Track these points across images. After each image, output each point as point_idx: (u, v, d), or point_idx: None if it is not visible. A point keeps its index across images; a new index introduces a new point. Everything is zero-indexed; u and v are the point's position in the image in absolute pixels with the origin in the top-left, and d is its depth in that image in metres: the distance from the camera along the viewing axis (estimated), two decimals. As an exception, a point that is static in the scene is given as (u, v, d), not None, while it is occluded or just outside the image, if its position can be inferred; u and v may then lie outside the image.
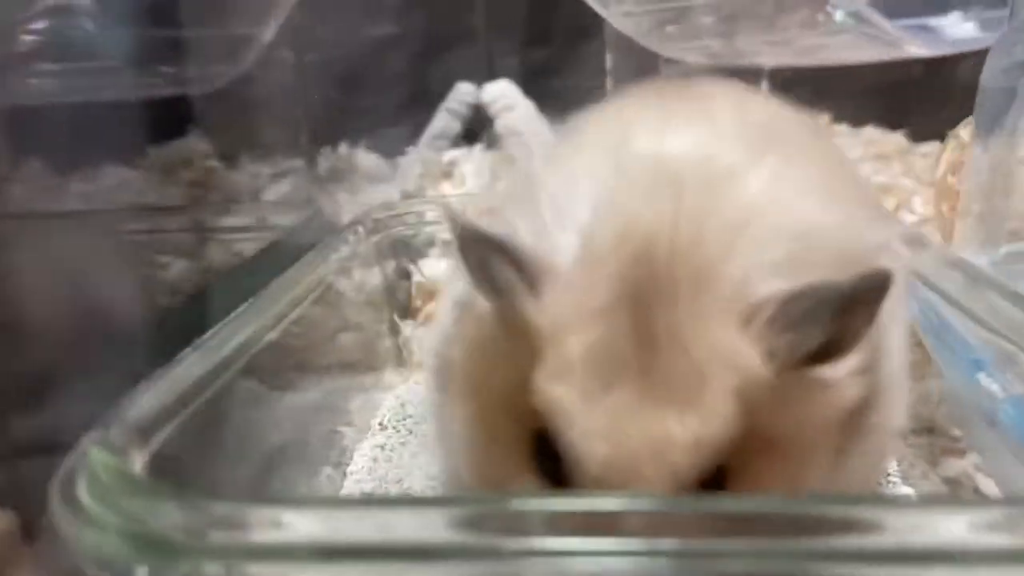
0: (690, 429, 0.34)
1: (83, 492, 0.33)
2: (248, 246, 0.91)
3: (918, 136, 1.17)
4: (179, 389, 0.42)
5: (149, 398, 0.40)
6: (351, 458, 0.65)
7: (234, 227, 0.97)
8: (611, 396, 0.34)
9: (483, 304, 0.38)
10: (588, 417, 0.34)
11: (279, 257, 0.73)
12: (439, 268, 0.82)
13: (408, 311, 0.81)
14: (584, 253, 0.37)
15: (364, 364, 0.73)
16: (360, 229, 0.74)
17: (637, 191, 0.37)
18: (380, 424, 0.69)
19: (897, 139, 1.16)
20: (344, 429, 0.67)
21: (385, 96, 1.31)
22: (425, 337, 0.65)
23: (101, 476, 0.33)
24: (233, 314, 0.51)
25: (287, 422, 0.57)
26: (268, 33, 1.03)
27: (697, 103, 0.45)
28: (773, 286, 0.35)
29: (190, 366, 0.44)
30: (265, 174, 1.12)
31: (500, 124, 1.23)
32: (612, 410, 0.34)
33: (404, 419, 0.70)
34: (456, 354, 0.41)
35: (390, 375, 0.77)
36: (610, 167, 0.39)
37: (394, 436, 0.68)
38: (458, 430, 0.41)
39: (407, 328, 0.80)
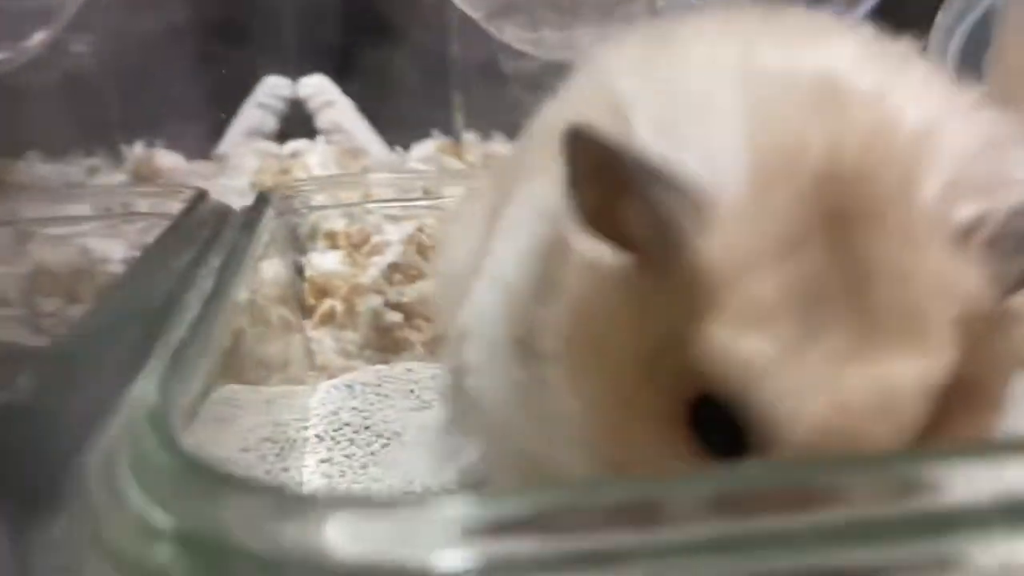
0: (919, 373, 0.28)
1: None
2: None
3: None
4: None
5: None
6: (301, 477, 0.55)
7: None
8: (822, 342, 0.28)
9: (604, 258, 0.31)
10: (796, 370, 0.28)
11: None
12: (329, 262, 0.74)
13: (304, 309, 0.72)
14: (756, 177, 0.30)
15: (280, 369, 0.63)
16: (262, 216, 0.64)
17: (795, 107, 0.31)
18: (317, 436, 0.60)
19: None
20: (274, 444, 0.57)
21: (181, 90, 1.17)
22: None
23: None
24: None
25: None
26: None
27: (806, 20, 0.40)
28: (978, 204, 0.30)
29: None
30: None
31: (322, 120, 1.15)
32: (826, 358, 0.28)
33: (340, 428, 0.61)
34: (559, 322, 0.33)
35: (304, 379, 0.68)
36: (743, 84, 0.32)
37: (336, 448, 0.59)
38: (567, 410, 0.33)
39: (308, 328, 0.71)
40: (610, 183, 0.30)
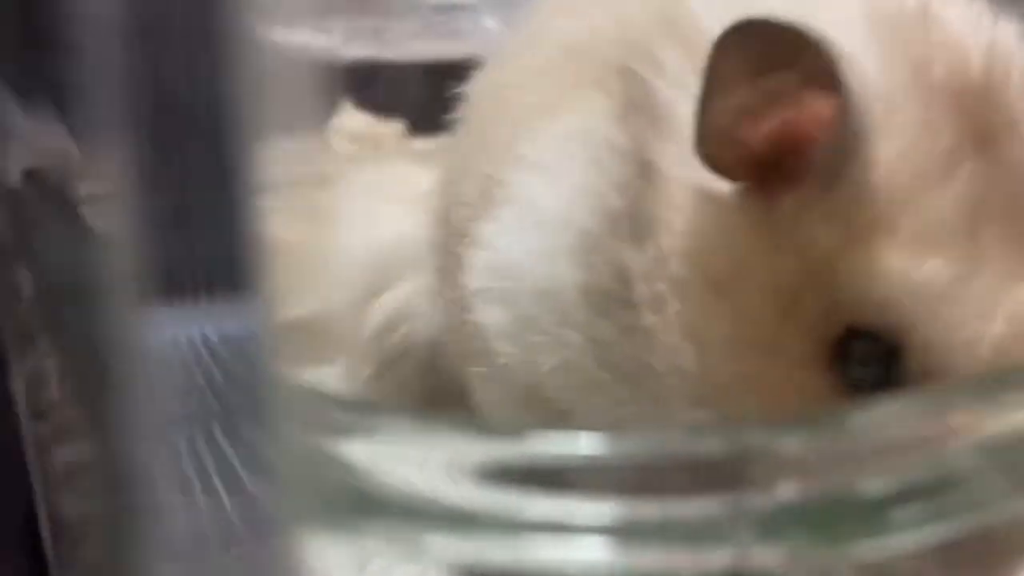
0: None
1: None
2: None
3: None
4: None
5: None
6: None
7: None
8: (992, 263, 0.27)
9: (720, 186, 0.28)
10: (974, 292, 0.26)
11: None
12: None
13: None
14: (913, 91, 0.28)
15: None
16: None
17: (919, 32, 0.29)
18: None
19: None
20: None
21: None
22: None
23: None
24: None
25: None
26: None
27: None
28: None
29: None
30: None
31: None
32: (999, 279, 0.27)
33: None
34: (663, 264, 0.29)
35: None
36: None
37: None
38: (682, 363, 0.29)
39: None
40: (775, 86, 0.26)
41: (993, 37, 0.30)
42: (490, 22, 1.03)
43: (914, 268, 0.26)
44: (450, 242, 0.37)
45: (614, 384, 0.31)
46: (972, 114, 0.28)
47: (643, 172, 0.30)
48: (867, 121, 0.26)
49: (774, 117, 0.27)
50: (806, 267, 0.27)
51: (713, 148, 0.27)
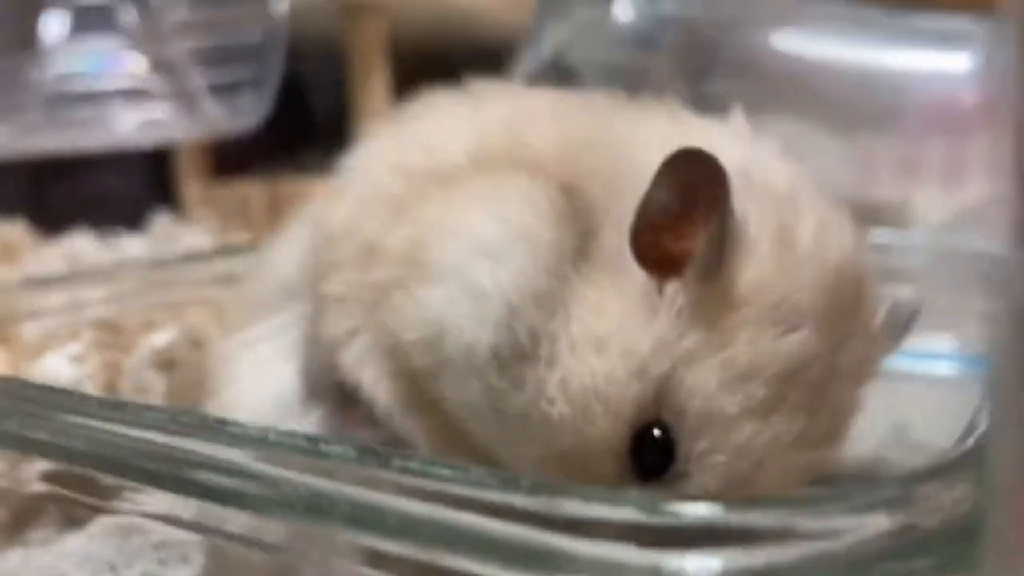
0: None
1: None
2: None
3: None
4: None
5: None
6: None
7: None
8: (779, 424, 0.35)
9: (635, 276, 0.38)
10: (745, 438, 0.35)
11: None
12: None
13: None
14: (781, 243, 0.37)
15: None
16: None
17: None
18: None
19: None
20: None
21: None
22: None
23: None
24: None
25: None
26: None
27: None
28: None
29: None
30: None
31: None
32: (774, 436, 0.35)
33: None
34: (566, 330, 0.38)
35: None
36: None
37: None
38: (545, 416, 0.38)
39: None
40: (693, 204, 0.35)
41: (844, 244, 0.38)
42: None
43: (715, 397, 0.34)
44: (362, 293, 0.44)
45: (498, 425, 0.39)
46: (830, 290, 0.36)
47: (572, 261, 0.38)
48: (741, 246, 0.35)
49: (684, 226, 0.35)
50: (665, 348, 0.35)
51: (641, 236, 0.36)
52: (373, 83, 1.43)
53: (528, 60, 0.81)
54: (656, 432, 0.35)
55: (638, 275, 0.36)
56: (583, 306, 0.36)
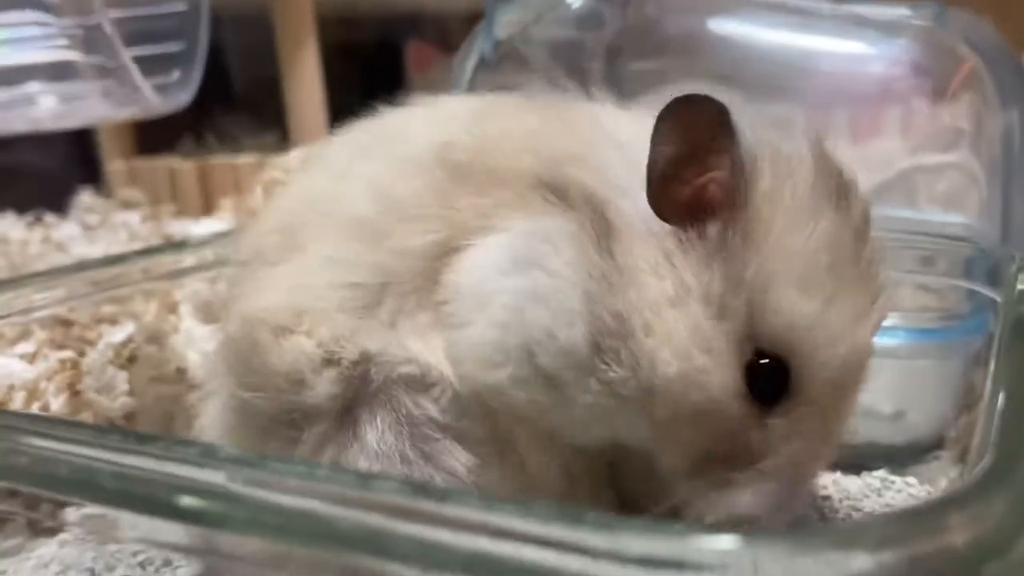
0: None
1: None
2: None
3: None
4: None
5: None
6: None
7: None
8: (846, 301, 0.38)
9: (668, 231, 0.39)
10: (833, 327, 0.37)
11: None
12: None
13: None
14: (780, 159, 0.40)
15: None
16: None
17: None
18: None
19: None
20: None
21: None
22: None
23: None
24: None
25: None
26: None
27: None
28: None
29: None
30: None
31: None
32: (852, 315, 0.38)
33: None
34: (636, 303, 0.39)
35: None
36: None
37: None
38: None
39: None
40: (699, 145, 0.37)
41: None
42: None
43: (793, 308, 0.37)
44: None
45: (609, 415, 0.40)
46: (827, 175, 0.39)
47: (599, 240, 0.39)
48: (751, 183, 0.37)
49: (698, 168, 0.38)
50: (730, 287, 0.37)
51: (658, 192, 0.38)
52: (302, 53, 1.40)
53: (481, 43, 0.81)
54: (763, 361, 0.37)
55: (667, 229, 0.39)
56: (639, 274, 0.38)
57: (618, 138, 0.42)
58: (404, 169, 0.44)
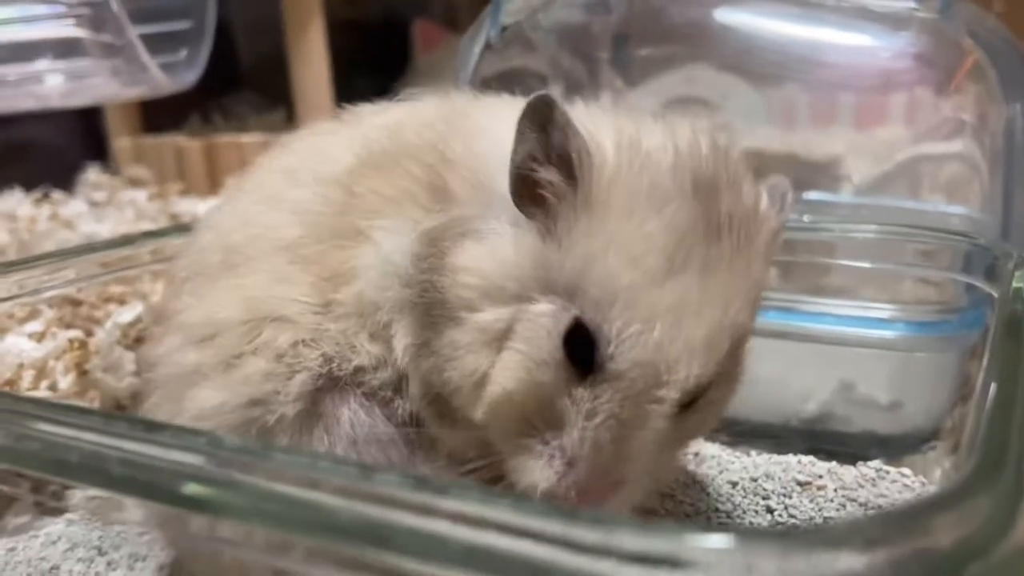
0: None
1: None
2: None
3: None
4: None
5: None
6: None
7: None
8: (679, 284, 0.38)
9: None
10: (651, 305, 0.38)
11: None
12: None
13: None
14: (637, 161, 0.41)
15: None
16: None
17: None
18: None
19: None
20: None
21: None
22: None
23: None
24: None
25: None
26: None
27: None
28: None
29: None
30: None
31: None
32: (680, 297, 0.38)
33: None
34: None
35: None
36: None
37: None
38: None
39: None
40: (549, 141, 0.40)
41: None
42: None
43: (614, 280, 0.38)
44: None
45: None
46: (690, 168, 0.40)
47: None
48: (591, 169, 0.40)
49: (549, 163, 0.40)
50: (565, 267, 0.39)
51: (516, 184, 0.41)
52: (309, 32, 1.40)
53: (487, 28, 0.81)
54: (579, 329, 0.38)
55: (520, 216, 0.41)
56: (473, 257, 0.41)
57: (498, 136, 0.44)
58: (326, 193, 0.47)
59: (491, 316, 0.40)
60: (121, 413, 0.61)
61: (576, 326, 0.38)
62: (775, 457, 0.64)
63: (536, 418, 0.39)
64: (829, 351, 0.68)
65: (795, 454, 0.65)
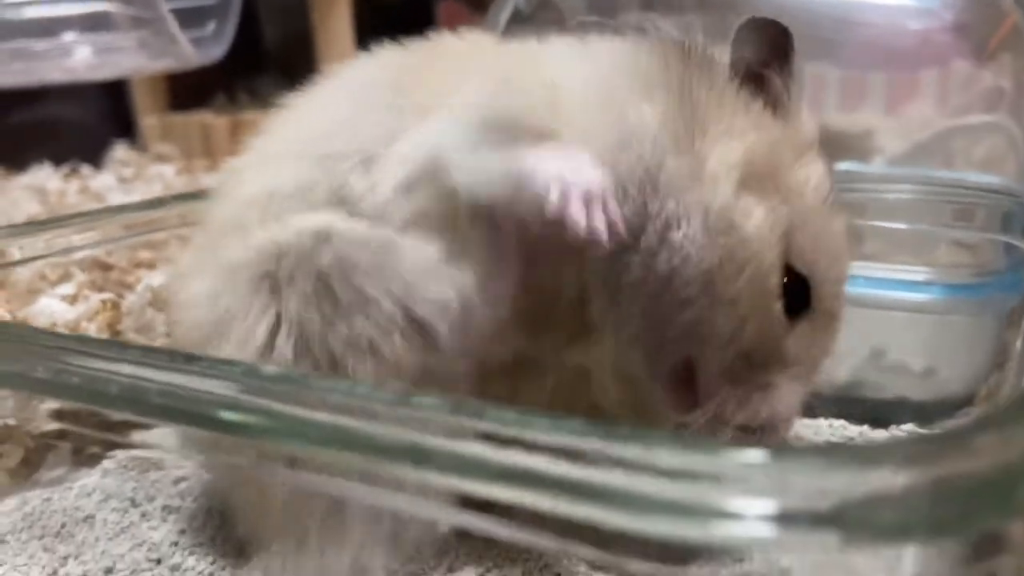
0: None
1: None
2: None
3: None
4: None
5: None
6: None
7: None
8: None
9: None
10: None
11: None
12: None
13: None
14: None
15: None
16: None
17: None
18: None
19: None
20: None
21: None
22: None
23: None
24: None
25: None
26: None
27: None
28: None
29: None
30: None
31: None
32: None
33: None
34: None
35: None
36: None
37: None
38: None
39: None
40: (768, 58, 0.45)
41: None
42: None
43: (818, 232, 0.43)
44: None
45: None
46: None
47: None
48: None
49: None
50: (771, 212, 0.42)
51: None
52: (334, 10, 1.40)
53: (514, -5, 0.81)
54: (792, 277, 0.42)
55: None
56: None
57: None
58: None
59: None
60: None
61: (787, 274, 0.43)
62: (805, 421, 0.64)
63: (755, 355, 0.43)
64: (861, 315, 0.67)
65: (826, 418, 0.64)
